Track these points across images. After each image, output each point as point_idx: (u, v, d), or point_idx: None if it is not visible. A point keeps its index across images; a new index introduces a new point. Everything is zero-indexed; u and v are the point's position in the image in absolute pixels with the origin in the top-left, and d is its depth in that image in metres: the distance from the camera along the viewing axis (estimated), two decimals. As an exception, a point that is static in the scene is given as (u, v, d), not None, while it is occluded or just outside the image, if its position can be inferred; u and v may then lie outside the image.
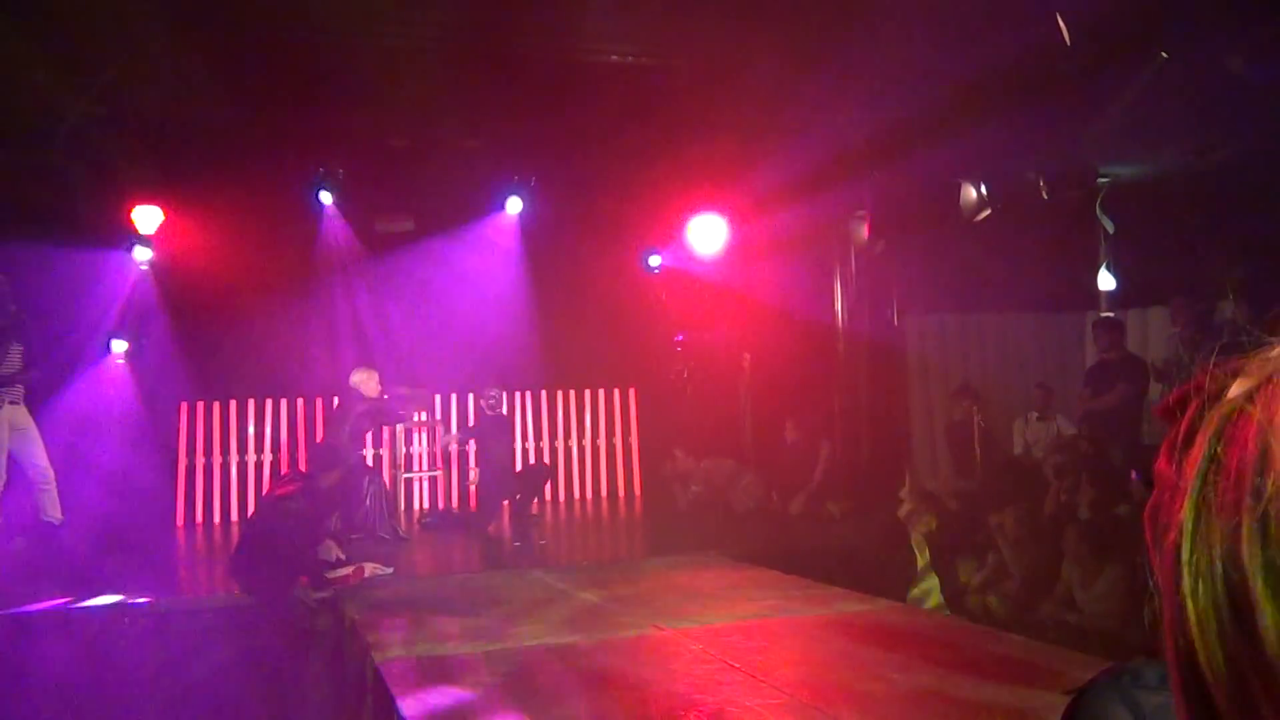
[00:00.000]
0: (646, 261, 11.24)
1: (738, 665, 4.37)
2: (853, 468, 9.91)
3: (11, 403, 7.43)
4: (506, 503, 9.11)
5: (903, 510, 7.54)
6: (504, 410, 9.53)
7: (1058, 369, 10.71)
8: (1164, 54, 6.12)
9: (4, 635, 6.02)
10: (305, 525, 6.37)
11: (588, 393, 11.42)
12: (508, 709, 3.96)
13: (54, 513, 7.75)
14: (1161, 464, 0.91)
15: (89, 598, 6.75)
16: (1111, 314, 9.63)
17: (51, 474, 7.69)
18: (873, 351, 10.23)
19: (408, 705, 4.03)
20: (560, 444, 11.25)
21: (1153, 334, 9.98)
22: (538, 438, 11.13)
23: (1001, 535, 7.06)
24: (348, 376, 8.80)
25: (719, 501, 9.76)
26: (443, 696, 4.14)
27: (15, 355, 7.41)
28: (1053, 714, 3.05)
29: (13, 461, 7.57)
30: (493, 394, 9.25)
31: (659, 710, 3.82)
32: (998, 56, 6.78)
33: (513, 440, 10.26)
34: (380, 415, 8.93)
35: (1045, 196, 8.09)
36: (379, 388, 8.77)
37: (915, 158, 8.11)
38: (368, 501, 8.54)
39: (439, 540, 9.09)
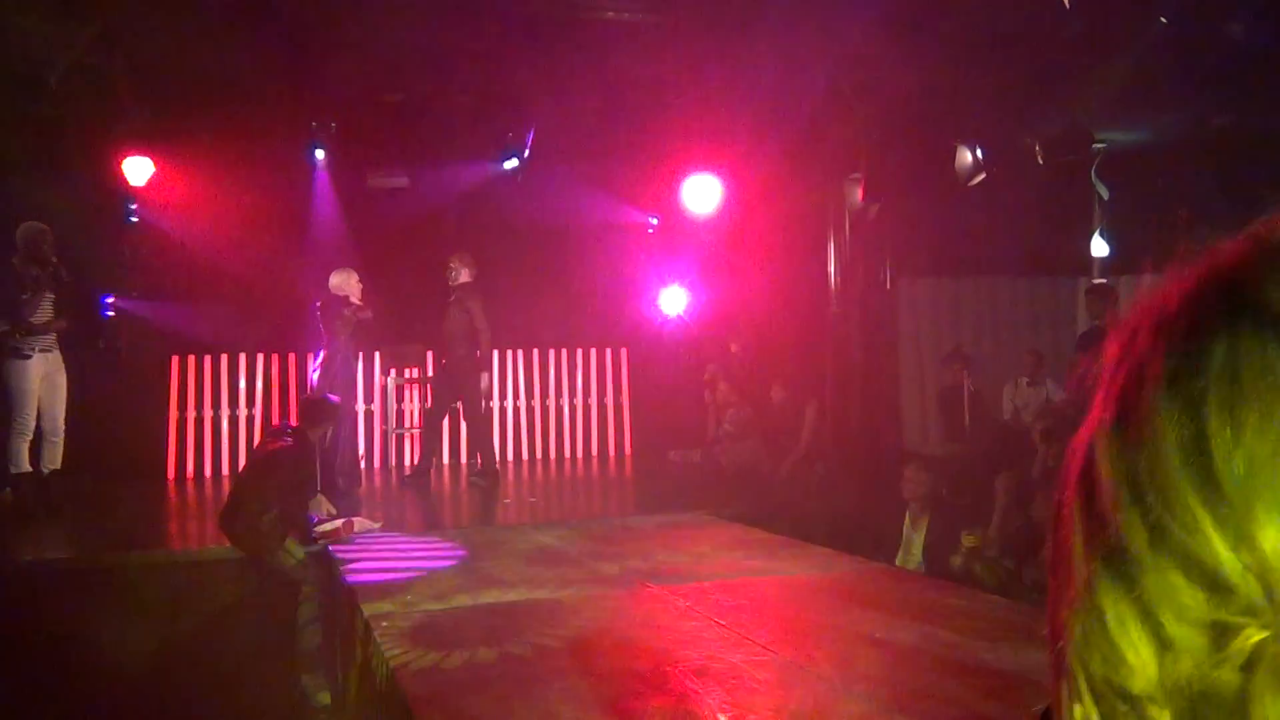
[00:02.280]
0: (640, 220, 11.20)
1: (723, 622, 4.42)
2: (842, 430, 9.96)
3: (43, 350, 7.54)
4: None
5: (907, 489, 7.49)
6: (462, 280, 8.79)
7: (1049, 335, 10.74)
8: (1163, 20, 6.08)
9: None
10: (295, 479, 6.39)
11: (579, 351, 11.43)
12: (495, 663, 4.00)
13: (53, 463, 7.80)
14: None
15: (77, 549, 6.80)
16: (1104, 280, 9.63)
17: (62, 428, 7.76)
18: (864, 314, 10.24)
19: (398, 660, 4.07)
20: (551, 402, 11.26)
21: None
22: (528, 395, 11.13)
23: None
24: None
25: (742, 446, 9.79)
26: (432, 650, 4.18)
27: (48, 305, 7.52)
28: (1035, 674, 3.08)
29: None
30: (452, 264, 8.76)
31: (645, 665, 3.86)
32: (997, 19, 6.75)
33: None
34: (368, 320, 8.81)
35: (1040, 161, 8.07)
36: (359, 285, 8.73)
37: (911, 120, 8.07)
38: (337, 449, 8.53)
39: (427, 496, 9.12)
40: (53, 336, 7.62)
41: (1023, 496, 7.19)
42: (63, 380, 7.74)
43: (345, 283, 8.68)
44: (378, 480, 9.88)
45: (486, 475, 9.09)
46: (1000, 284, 11.13)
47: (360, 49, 7.82)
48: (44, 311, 7.53)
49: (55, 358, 7.67)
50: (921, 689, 3.54)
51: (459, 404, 9.25)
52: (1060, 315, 10.97)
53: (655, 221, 11.29)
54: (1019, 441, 8.91)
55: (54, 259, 7.45)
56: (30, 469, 7.64)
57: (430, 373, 10.52)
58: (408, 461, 10.31)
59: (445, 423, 9.80)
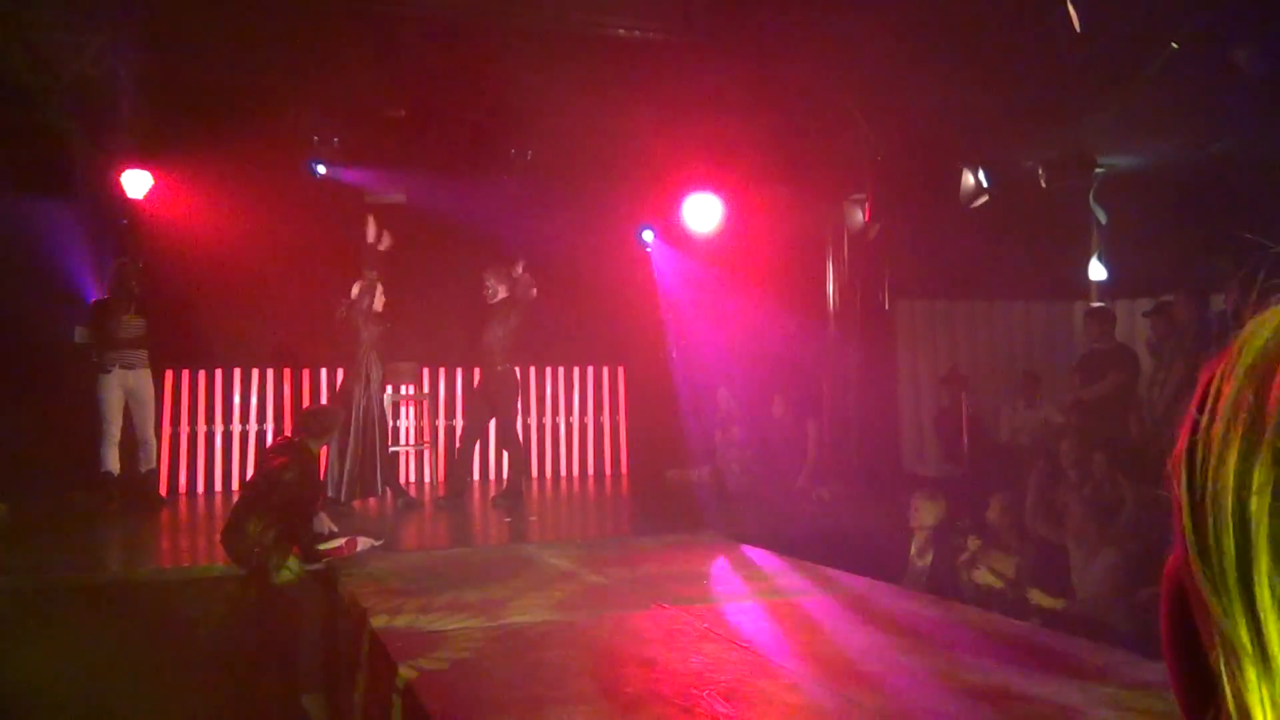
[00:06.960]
0: (639, 238, 11.17)
1: (744, 644, 4.37)
2: (841, 451, 9.93)
3: (124, 366, 8.42)
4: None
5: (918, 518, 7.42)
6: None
7: (1045, 357, 10.77)
8: (1174, 45, 6.12)
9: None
10: (298, 495, 6.30)
11: (576, 369, 11.37)
12: (515, 685, 3.93)
13: (148, 464, 8.69)
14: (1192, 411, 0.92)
15: (77, 568, 6.66)
16: (1103, 304, 9.67)
17: (152, 437, 8.70)
18: (863, 335, 10.24)
19: (412, 681, 3.99)
20: (548, 420, 11.20)
21: (1140, 325, 10.03)
22: (525, 413, 11.05)
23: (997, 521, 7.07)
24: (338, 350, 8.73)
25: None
26: (447, 672, 4.11)
27: (134, 324, 8.46)
28: (1060, 696, 3.02)
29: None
30: (489, 281, 8.99)
31: (670, 688, 3.80)
32: (1006, 42, 6.78)
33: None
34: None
35: (1043, 184, 8.10)
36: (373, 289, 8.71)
37: (918, 142, 8.09)
38: (347, 464, 8.42)
39: (431, 515, 9.03)
40: (140, 354, 8.50)
41: (1019, 521, 7.17)
42: (149, 395, 8.62)
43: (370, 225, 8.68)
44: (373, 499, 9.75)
45: (509, 495, 8.98)
46: (997, 307, 11.17)
47: (364, 64, 7.78)
48: (126, 329, 8.39)
49: (140, 374, 8.53)
50: (959, 716, 3.50)
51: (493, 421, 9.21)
52: (1057, 338, 11.01)
53: (651, 238, 11.24)
54: (1017, 464, 8.91)
55: (137, 288, 8.44)
56: (114, 471, 8.45)
57: (426, 389, 10.46)
58: (403, 480, 10.18)
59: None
